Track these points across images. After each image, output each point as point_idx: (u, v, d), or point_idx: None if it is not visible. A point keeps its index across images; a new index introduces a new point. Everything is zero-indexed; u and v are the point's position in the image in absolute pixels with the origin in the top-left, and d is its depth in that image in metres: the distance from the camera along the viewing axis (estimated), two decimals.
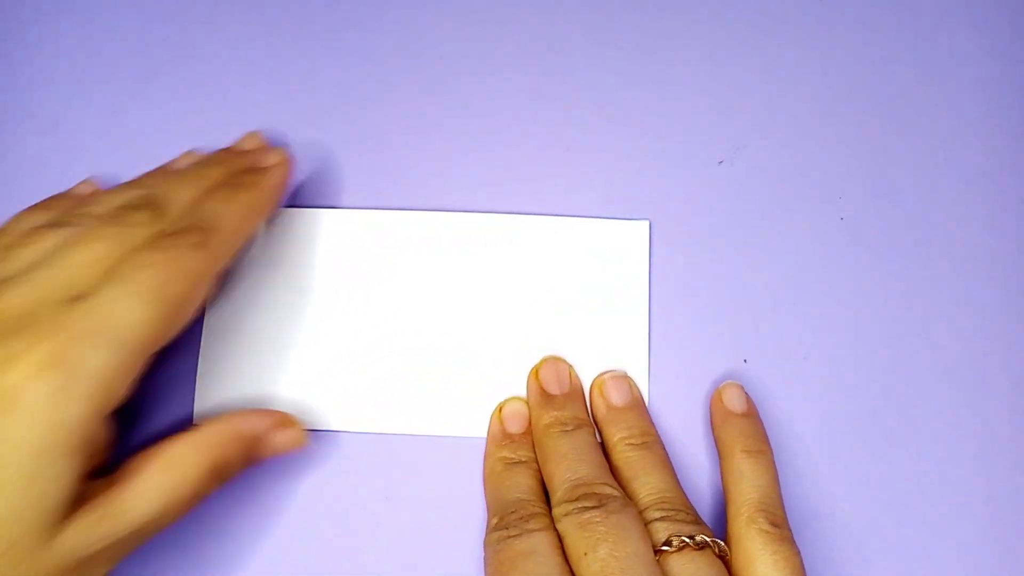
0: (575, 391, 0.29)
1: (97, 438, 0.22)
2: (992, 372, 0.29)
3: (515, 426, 0.29)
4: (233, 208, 0.26)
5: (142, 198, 0.26)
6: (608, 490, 0.25)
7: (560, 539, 0.25)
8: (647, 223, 0.30)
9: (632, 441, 0.27)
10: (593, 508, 0.25)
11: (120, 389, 0.22)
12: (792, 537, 0.25)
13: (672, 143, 0.31)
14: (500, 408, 0.29)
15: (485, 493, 0.28)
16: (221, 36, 0.33)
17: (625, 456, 0.27)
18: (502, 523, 0.26)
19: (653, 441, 0.28)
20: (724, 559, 0.25)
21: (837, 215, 0.30)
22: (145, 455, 0.24)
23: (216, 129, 0.32)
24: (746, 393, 0.29)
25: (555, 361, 0.29)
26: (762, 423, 0.28)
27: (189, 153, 0.31)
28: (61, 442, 0.21)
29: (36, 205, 0.29)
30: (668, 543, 0.24)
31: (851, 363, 0.29)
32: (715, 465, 0.28)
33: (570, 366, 0.29)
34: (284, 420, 0.27)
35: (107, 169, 0.32)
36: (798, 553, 0.25)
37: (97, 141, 0.33)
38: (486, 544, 0.26)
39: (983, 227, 0.30)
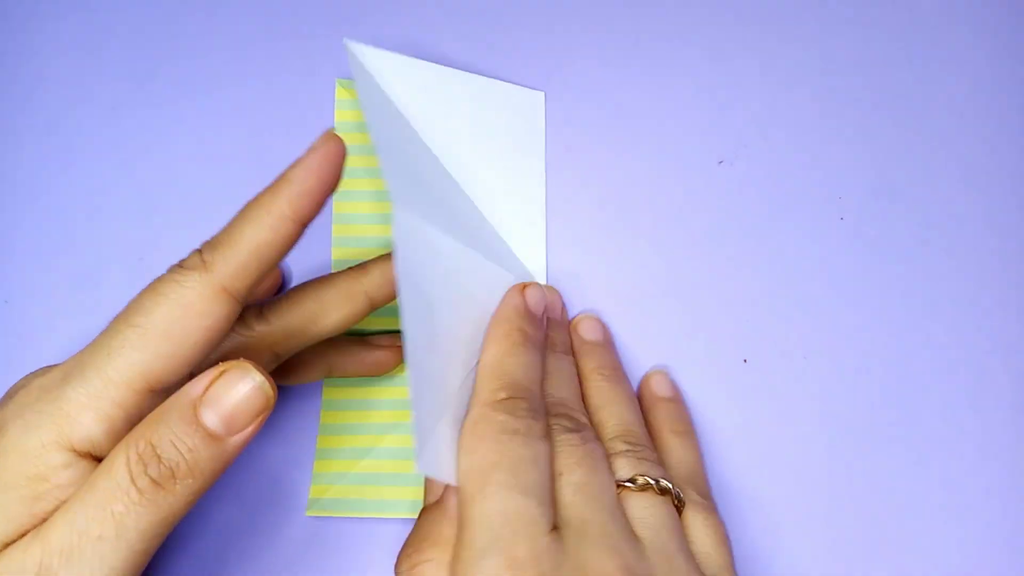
0: (566, 322, 0.30)
1: None
2: (992, 372, 0.29)
3: (536, 307, 0.27)
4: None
5: None
6: (583, 419, 0.26)
7: None
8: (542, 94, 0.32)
9: (604, 372, 0.28)
10: (572, 431, 0.24)
11: None
12: (716, 510, 0.26)
13: (672, 143, 0.31)
14: (523, 287, 0.28)
15: (490, 346, 0.26)
16: (221, 36, 0.33)
17: (597, 385, 0.28)
18: (510, 406, 0.24)
19: (623, 376, 0.29)
20: (679, 510, 0.25)
21: (837, 215, 0.30)
22: None
23: (216, 129, 0.32)
24: (671, 379, 0.29)
25: (549, 289, 0.30)
26: (686, 407, 0.29)
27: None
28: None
29: None
30: (632, 480, 0.24)
31: (851, 363, 0.29)
32: None
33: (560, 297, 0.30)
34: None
35: (107, 168, 0.32)
36: (723, 523, 0.25)
37: (97, 141, 0.33)
38: (485, 406, 0.24)
39: (983, 227, 0.30)
